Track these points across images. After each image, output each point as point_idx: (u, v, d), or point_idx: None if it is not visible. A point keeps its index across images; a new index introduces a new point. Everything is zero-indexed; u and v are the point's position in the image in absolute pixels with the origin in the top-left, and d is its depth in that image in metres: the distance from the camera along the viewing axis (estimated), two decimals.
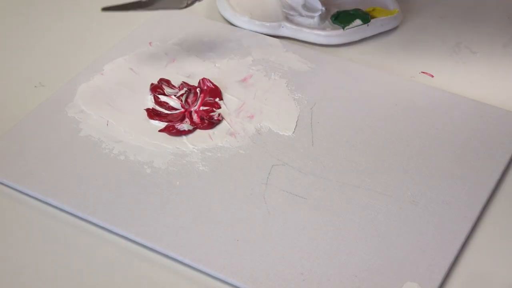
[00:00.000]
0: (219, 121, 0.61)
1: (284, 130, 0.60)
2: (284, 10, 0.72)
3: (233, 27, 0.71)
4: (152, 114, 0.61)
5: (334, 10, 0.72)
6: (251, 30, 0.70)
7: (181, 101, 0.62)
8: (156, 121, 0.61)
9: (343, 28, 0.70)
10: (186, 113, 0.61)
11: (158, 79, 0.64)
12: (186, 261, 0.51)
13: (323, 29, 0.70)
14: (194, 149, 0.59)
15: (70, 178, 0.56)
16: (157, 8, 0.66)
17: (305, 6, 0.71)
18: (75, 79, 0.65)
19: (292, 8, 0.72)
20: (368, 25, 0.70)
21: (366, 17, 0.70)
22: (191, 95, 0.63)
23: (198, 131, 0.60)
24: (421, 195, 0.55)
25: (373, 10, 0.72)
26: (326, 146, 0.59)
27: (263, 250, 0.51)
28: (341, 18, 0.70)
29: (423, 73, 0.67)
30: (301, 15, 0.71)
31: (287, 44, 0.69)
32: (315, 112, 0.62)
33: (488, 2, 0.75)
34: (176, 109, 0.62)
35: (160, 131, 0.60)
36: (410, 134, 0.60)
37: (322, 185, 0.56)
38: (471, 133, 0.60)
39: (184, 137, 0.60)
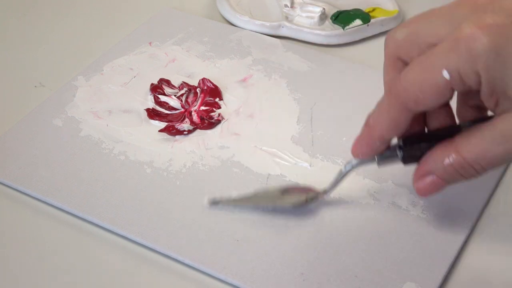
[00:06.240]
0: (219, 121, 0.61)
1: (284, 130, 0.60)
2: (284, 10, 0.72)
3: (233, 27, 0.71)
4: (152, 114, 0.61)
5: (334, 10, 0.72)
6: (251, 30, 0.70)
7: (181, 101, 0.62)
8: (156, 121, 0.61)
9: (343, 28, 0.70)
10: (186, 113, 0.61)
11: (158, 79, 0.64)
12: (186, 261, 0.51)
13: (323, 29, 0.70)
14: (194, 149, 0.59)
15: (70, 178, 0.56)
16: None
17: (305, 6, 0.71)
18: (75, 79, 0.65)
19: (292, 8, 0.72)
20: (368, 25, 0.70)
21: (366, 17, 0.70)
22: (191, 95, 0.63)
23: (198, 131, 0.60)
24: None
25: (373, 10, 0.72)
26: (326, 146, 0.59)
27: (263, 250, 0.51)
28: (341, 18, 0.70)
29: None
30: (301, 15, 0.71)
31: (287, 44, 0.69)
32: (315, 112, 0.62)
33: None
34: (176, 109, 0.62)
35: (160, 131, 0.60)
36: None
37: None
38: None
39: (184, 137, 0.60)
